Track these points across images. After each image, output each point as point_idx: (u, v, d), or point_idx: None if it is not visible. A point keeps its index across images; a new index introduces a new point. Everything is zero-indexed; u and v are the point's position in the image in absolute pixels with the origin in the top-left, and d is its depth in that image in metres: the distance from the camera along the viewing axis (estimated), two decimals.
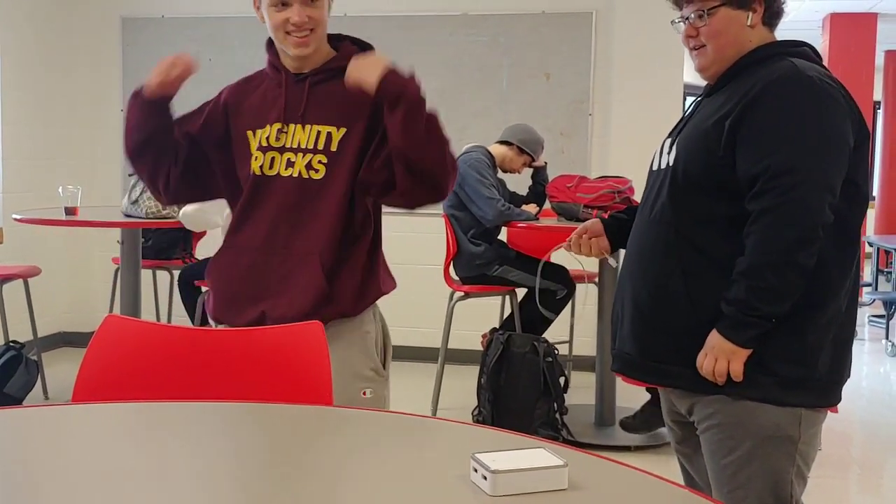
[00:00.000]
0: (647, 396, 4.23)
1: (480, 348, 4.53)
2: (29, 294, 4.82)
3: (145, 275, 4.75)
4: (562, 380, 4.33)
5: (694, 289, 1.97)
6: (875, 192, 10.44)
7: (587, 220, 2.40)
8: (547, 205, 4.76)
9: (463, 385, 4.96)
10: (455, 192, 4.64)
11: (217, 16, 5.96)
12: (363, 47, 2.23)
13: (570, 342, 5.54)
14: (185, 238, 5.28)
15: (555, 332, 4.90)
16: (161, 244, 5.24)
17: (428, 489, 1.23)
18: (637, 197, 3.91)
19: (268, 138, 2.17)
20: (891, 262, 8.80)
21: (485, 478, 1.18)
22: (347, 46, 2.23)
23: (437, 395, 4.80)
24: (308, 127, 2.15)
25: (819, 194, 1.86)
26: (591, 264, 4.80)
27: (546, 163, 5.05)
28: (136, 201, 4.13)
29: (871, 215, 10.12)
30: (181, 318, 5.26)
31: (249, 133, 2.19)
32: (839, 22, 8.97)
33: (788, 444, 1.95)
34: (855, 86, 7.85)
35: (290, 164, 2.15)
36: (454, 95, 5.71)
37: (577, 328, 5.55)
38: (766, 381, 1.93)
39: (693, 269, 1.97)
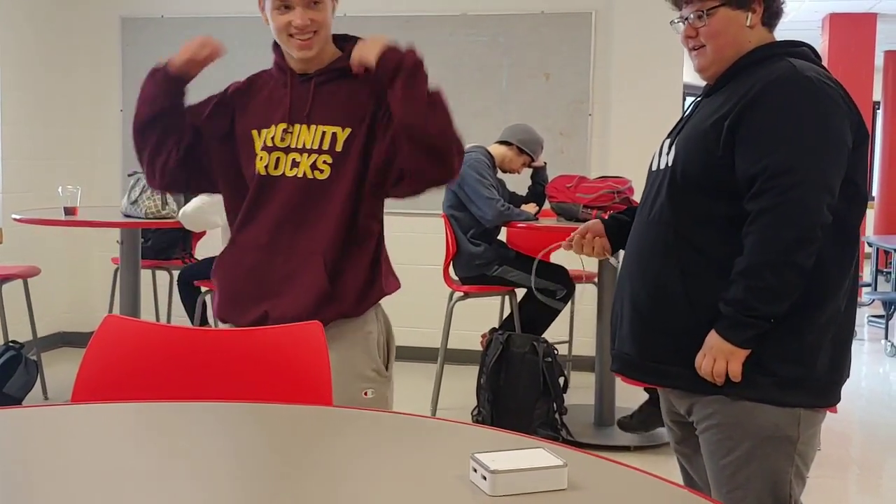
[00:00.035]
0: (647, 396, 4.23)
1: (480, 348, 4.53)
2: (28, 294, 4.82)
3: (145, 275, 4.75)
4: (561, 380, 4.33)
5: (693, 289, 1.97)
6: (874, 192, 10.44)
7: (587, 220, 2.40)
8: (546, 205, 4.76)
9: (462, 385, 4.96)
10: (454, 192, 4.65)
11: (217, 16, 5.96)
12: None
13: (570, 342, 5.54)
14: (184, 238, 5.28)
15: (554, 332, 4.90)
16: (160, 244, 5.24)
17: (427, 489, 1.23)
18: (637, 197, 3.91)
19: (273, 139, 2.17)
20: (890, 263, 8.79)
21: (484, 478, 1.18)
22: (353, 47, 2.24)
23: (437, 395, 4.80)
24: (313, 127, 2.16)
25: (817, 194, 1.86)
26: (590, 264, 4.81)
27: (545, 163, 5.05)
28: (135, 201, 4.13)
29: (871, 215, 10.12)
30: (181, 318, 5.26)
31: (254, 132, 2.20)
32: (839, 22, 8.97)
33: (787, 445, 1.95)
34: (854, 86, 7.85)
35: (295, 164, 2.15)
36: (454, 95, 5.65)
37: (577, 328, 5.55)
38: (765, 382, 1.93)
39: (692, 269, 1.98)
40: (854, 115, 1.93)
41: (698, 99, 2.13)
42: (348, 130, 2.14)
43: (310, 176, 2.14)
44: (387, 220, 2.29)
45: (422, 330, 5.67)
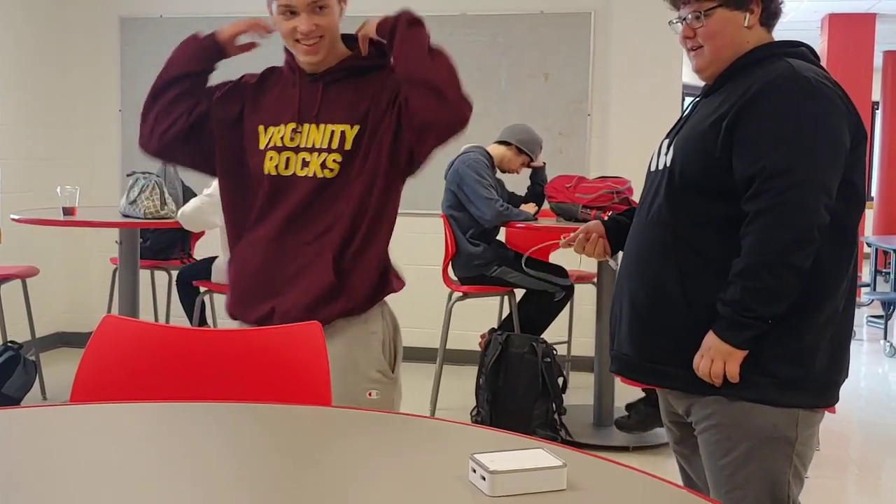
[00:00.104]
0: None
1: (479, 349, 4.53)
2: (27, 294, 4.81)
3: (143, 275, 4.74)
4: (560, 380, 4.33)
5: (691, 290, 1.97)
6: (873, 192, 10.44)
7: (586, 220, 2.40)
8: (545, 205, 4.76)
9: (461, 385, 4.96)
10: (453, 192, 4.65)
11: (216, 16, 5.95)
12: (379, 47, 2.24)
13: (569, 342, 5.55)
14: (183, 238, 5.27)
15: (553, 333, 4.90)
16: (159, 244, 5.23)
17: (426, 490, 1.23)
18: (636, 197, 3.91)
19: (282, 138, 2.18)
20: (889, 263, 8.80)
21: (483, 478, 1.18)
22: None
23: (436, 396, 4.80)
24: (322, 126, 2.17)
25: (815, 195, 1.86)
26: (590, 264, 4.81)
27: (545, 163, 5.05)
28: (134, 201, 4.13)
29: (870, 216, 10.12)
30: (179, 318, 5.25)
31: (261, 128, 2.21)
32: (838, 22, 8.98)
33: (785, 445, 1.95)
34: (853, 86, 7.87)
35: (305, 164, 2.16)
36: None
37: (576, 328, 5.55)
38: (764, 382, 1.93)
39: (690, 269, 1.97)
40: (852, 116, 1.93)
41: (697, 99, 2.13)
42: (357, 128, 2.15)
43: (320, 175, 2.15)
44: None
45: (421, 330, 5.66)
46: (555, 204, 4.50)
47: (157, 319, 5.74)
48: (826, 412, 2.02)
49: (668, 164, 2.03)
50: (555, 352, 4.34)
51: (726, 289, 1.90)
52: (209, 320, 5.31)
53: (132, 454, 1.34)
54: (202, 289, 4.75)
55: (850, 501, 3.93)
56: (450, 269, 4.86)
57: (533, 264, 4.59)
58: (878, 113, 10.99)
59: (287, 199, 2.17)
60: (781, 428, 1.94)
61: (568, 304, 4.99)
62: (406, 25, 2.12)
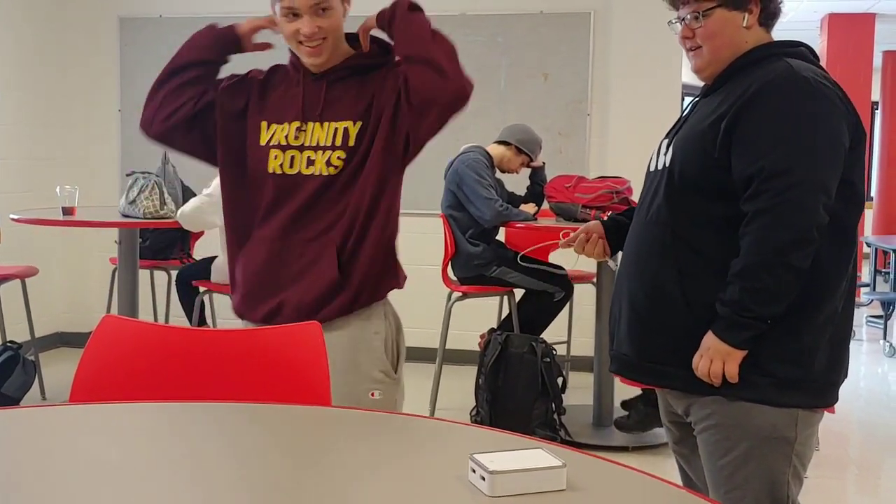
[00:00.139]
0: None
1: (478, 349, 4.53)
2: (26, 294, 4.81)
3: (143, 275, 4.74)
4: (560, 380, 4.33)
5: (690, 290, 1.97)
6: (873, 192, 10.45)
7: (585, 220, 2.40)
8: (545, 205, 4.76)
9: (461, 385, 4.96)
10: (453, 192, 4.65)
11: (215, 16, 5.93)
12: (382, 45, 2.24)
13: (568, 342, 5.54)
14: (182, 238, 5.27)
15: (553, 333, 4.90)
16: (159, 244, 5.23)
17: (426, 490, 1.23)
18: (635, 197, 3.91)
19: (286, 137, 2.19)
20: (889, 263, 8.80)
21: (483, 478, 1.18)
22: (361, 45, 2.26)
23: (435, 396, 4.80)
24: (326, 125, 2.18)
25: (814, 195, 1.86)
26: (588, 264, 4.80)
27: (544, 163, 5.05)
28: (133, 201, 4.13)
29: (870, 216, 10.12)
30: (179, 318, 5.25)
31: (264, 124, 2.22)
32: (837, 22, 8.98)
33: (785, 445, 1.95)
34: (853, 86, 7.88)
35: (310, 162, 2.17)
36: None
37: (575, 328, 5.55)
38: (763, 382, 1.93)
39: (689, 269, 1.97)
40: (851, 116, 1.93)
41: (696, 99, 2.13)
42: (359, 124, 2.16)
43: (325, 172, 2.16)
44: None
45: (420, 330, 5.66)
46: (554, 204, 4.50)
47: (156, 319, 5.74)
48: (825, 412, 2.02)
49: (667, 164, 2.03)
50: (554, 352, 4.34)
51: (725, 289, 1.90)
52: (208, 320, 5.31)
53: (132, 454, 1.34)
54: (202, 289, 4.75)
55: (850, 501, 3.93)
56: (449, 269, 4.85)
57: (530, 262, 4.59)
58: (878, 113, 10.99)
59: (293, 198, 2.18)
60: (780, 428, 1.94)
61: (567, 304, 4.99)
62: (406, 10, 2.14)
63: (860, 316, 7.83)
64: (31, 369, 4.65)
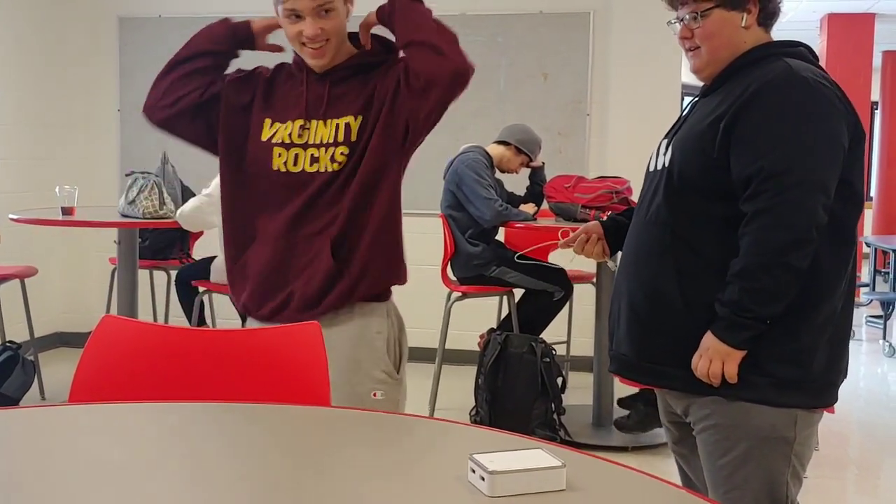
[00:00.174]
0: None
1: (478, 349, 4.53)
2: (26, 294, 4.81)
3: (142, 275, 4.74)
4: (559, 380, 4.33)
5: (689, 290, 1.97)
6: (873, 192, 10.45)
7: (585, 220, 2.40)
8: (545, 205, 4.76)
9: (460, 385, 4.96)
10: (452, 192, 4.65)
11: (214, 15, 5.91)
12: (385, 43, 2.25)
13: (568, 342, 5.54)
14: (182, 238, 5.27)
15: (552, 333, 4.90)
16: (158, 244, 5.23)
17: (425, 490, 1.23)
18: (635, 197, 3.91)
19: (290, 135, 2.19)
20: (888, 263, 8.81)
21: (483, 478, 1.18)
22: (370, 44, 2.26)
23: (435, 396, 4.80)
24: (329, 122, 2.18)
25: (813, 195, 1.86)
26: (586, 264, 4.80)
27: (544, 163, 5.05)
28: (133, 201, 4.13)
29: (869, 216, 10.13)
30: (178, 318, 5.25)
31: (267, 121, 2.22)
32: (837, 22, 8.98)
33: (784, 445, 1.95)
34: (852, 86, 7.87)
35: (314, 160, 2.17)
36: None
37: (575, 328, 5.55)
38: (762, 382, 1.93)
39: (688, 270, 1.97)
40: (850, 116, 1.93)
41: (695, 99, 2.13)
42: (360, 118, 2.16)
43: (329, 169, 2.16)
44: None
45: (420, 330, 5.64)
46: (554, 204, 4.50)
47: (155, 319, 5.74)
48: (825, 412, 2.03)
49: (666, 165, 2.03)
50: (554, 352, 4.34)
51: (724, 289, 1.90)
52: (208, 320, 5.31)
53: (131, 454, 1.34)
54: (201, 289, 4.75)
55: (849, 501, 3.93)
56: (449, 269, 4.85)
57: (527, 260, 4.59)
58: (878, 113, 10.99)
59: (297, 195, 2.18)
60: (780, 428, 1.94)
61: (567, 304, 4.99)
62: (406, 1, 2.16)
63: (860, 316, 7.83)
64: (30, 369, 4.65)
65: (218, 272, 4.57)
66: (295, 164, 2.18)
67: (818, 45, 9.26)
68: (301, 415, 1.58)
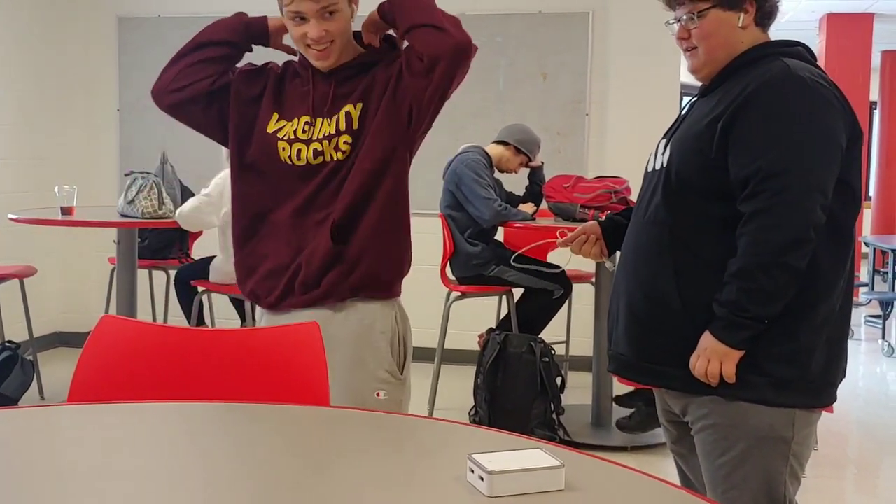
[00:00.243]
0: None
1: (477, 348, 4.53)
2: (25, 294, 4.81)
3: (141, 275, 4.74)
4: (558, 380, 4.33)
5: (688, 290, 1.97)
6: (871, 192, 10.46)
7: (584, 219, 2.40)
8: (544, 205, 4.76)
9: (459, 385, 4.96)
10: (452, 192, 4.65)
11: (214, 15, 5.90)
12: (389, 41, 2.26)
13: (567, 342, 5.54)
14: (181, 238, 5.27)
15: (551, 333, 4.90)
16: (157, 244, 5.23)
17: (424, 490, 1.23)
18: (634, 197, 3.91)
19: (295, 131, 2.20)
20: (887, 263, 8.81)
21: (481, 478, 1.18)
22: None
23: (434, 396, 4.80)
24: (333, 117, 2.19)
25: (811, 195, 1.86)
26: (585, 264, 4.80)
27: (543, 163, 5.05)
28: (132, 201, 4.13)
29: (868, 215, 10.13)
30: (177, 318, 5.25)
31: (275, 115, 2.23)
32: (836, 22, 8.98)
33: (782, 445, 1.95)
34: (851, 86, 7.88)
35: (317, 153, 2.18)
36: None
37: (574, 328, 5.55)
38: (760, 382, 1.93)
39: (687, 270, 1.98)
40: (848, 116, 1.93)
41: (694, 99, 2.13)
42: (360, 105, 2.17)
43: (334, 158, 2.17)
44: None
45: (419, 330, 5.61)
46: (553, 204, 4.50)
47: (154, 319, 5.74)
48: (824, 412, 2.03)
49: (664, 165, 2.03)
50: (553, 351, 4.34)
51: (722, 289, 1.91)
52: (207, 320, 5.31)
53: (130, 454, 1.34)
54: (200, 288, 4.75)
55: (849, 501, 3.93)
56: (448, 268, 4.85)
57: (524, 261, 4.59)
58: (876, 112, 11.00)
59: (305, 184, 2.19)
60: (778, 428, 1.94)
61: (566, 304, 4.99)
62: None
63: (858, 315, 7.83)
64: (29, 369, 4.65)
65: (217, 272, 4.58)
66: (298, 158, 2.19)
67: (817, 44, 9.26)
68: (301, 415, 1.58)
